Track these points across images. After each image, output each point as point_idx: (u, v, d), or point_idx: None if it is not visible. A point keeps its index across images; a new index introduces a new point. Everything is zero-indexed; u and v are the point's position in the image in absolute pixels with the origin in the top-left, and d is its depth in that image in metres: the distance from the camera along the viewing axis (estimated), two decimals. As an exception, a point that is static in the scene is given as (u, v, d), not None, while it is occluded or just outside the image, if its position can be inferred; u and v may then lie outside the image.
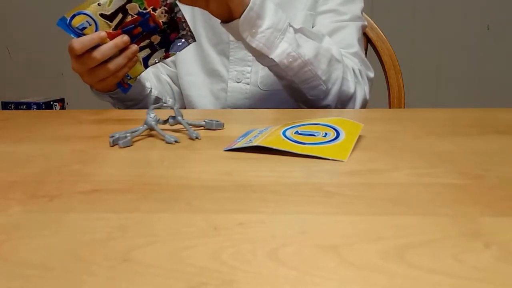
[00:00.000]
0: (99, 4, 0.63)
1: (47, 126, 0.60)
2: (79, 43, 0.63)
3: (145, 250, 0.25)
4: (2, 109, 1.88)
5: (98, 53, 0.63)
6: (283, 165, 0.40)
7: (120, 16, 0.64)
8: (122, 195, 0.33)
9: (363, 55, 0.84)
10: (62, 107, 1.97)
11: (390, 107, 0.95)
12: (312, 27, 0.84)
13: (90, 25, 0.64)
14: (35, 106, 1.86)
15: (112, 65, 0.65)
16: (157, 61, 0.70)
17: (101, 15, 0.64)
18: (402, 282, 0.21)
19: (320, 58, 0.72)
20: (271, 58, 0.68)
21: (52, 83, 2.09)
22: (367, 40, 0.96)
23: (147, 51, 0.68)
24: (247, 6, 0.63)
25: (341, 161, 0.40)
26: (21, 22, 2.07)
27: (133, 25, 0.65)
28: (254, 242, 0.25)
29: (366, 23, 0.88)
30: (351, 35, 0.82)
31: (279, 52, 0.68)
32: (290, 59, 0.69)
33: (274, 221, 0.28)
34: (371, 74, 0.84)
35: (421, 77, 1.89)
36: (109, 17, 0.64)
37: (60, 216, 0.30)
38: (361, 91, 0.80)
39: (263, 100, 0.84)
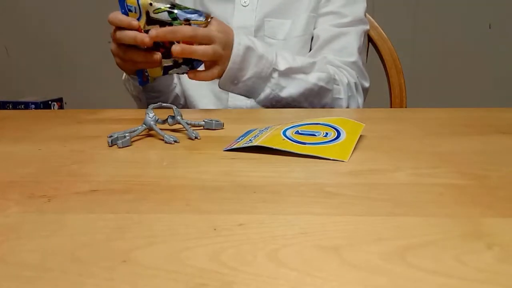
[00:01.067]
0: (150, 4, 0.65)
1: (45, 126, 0.60)
2: (114, 16, 0.66)
3: (144, 251, 0.24)
4: (0, 108, 1.88)
5: (118, 34, 0.66)
6: (283, 165, 0.40)
7: (157, 27, 0.66)
8: (121, 196, 0.33)
9: (361, 64, 0.84)
10: (60, 107, 1.97)
11: (391, 107, 0.95)
12: (314, 29, 0.84)
13: (135, 12, 0.66)
14: (33, 106, 1.86)
15: (133, 54, 0.68)
16: (178, 73, 0.72)
17: (146, 13, 0.65)
18: (403, 283, 0.21)
19: (306, 94, 0.74)
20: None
21: (50, 83, 2.08)
22: (368, 40, 0.96)
23: (169, 62, 0.70)
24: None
25: (342, 161, 0.40)
26: (19, 21, 2.07)
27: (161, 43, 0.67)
28: (254, 243, 0.25)
29: (368, 26, 0.87)
30: (351, 43, 0.82)
31: (262, 97, 0.73)
32: (274, 102, 0.73)
33: (274, 221, 0.28)
34: (367, 84, 0.85)
35: (422, 76, 1.89)
36: (149, 21, 0.66)
37: (58, 217, 0.29)
38: (355, 104, 0.81)
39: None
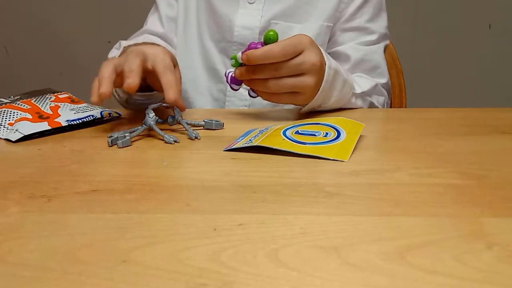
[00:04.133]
0: None
1: (46, 126, 0.60)
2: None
3: (144, 251, 0.24)
4: (1, 108, 1.88)
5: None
6: (283, 165, 0.40)
7: None
8: (120, 196, 0.33)
9: (390, 82, 0.84)
10: (61, 107, 1.96)
11: (391, 107, 0.94)
12: (329, 41, 0.81)
13: None
14: (34, 106, 1.86)
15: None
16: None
17: None
18: (403, 283, 0.21)
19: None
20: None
21: (51, 83, 2.08)
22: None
23: None
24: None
25: (342, 161, 0.40)
26: (19, 20, 2.07)
27: None
28: (254, 243, 0.25)
29: (389, 41, 0.86)
30: (380, 63, 0.80)
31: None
32: None
33: (274, 221, 0.28)
34: (389, 101, 0.85)
35: (422, 76, 1.89)
36: None
37: (58, 217, 0.29)
38: None
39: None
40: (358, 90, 0.70)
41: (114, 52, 0.80)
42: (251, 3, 0.80)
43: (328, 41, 0.81)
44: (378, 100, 0.77)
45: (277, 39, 0.55)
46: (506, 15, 1.85)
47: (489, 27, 1.86)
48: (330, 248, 0.24)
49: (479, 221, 0.28)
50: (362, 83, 0.73)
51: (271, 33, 0.54)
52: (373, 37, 0.80)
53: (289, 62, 0.55)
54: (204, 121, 0.55)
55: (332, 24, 0.80)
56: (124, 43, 0.78)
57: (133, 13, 1.88)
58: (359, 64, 0.79)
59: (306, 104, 0.61)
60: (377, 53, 0.80)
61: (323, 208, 0.30)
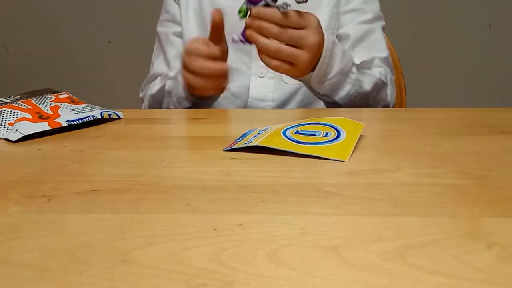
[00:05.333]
0: None
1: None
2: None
3: (144, 251, 0.24)
4: (1, 108, 1.88)
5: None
6: (283, 165, 0.40)
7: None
8: (120, 196, 0.33)
9: (390, 57, 0.84)
10: (61, 107, 1.96)
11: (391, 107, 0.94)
12: (340, 28, 0.84)
13: None
14: (34, 106, 1.86)
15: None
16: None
17: None
18: (403, 283, 0.21)
19: (374, 90, 0.74)
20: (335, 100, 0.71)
21: (51, 83, 2.08)
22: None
23: None
24: (318, 60, 0.64)
25: (342, 161, 0.40)
26: (19, 20, 2.07)
27: None
28: (254, 243, 0.25)
29: (384, 22, 0.87)
30: (379, 40, 0.83)
31: (343, 94, 0.70)
32: (352, 99, 0.71)
33: (274, 221, 0.28)
34: (393, 76, 0.85)
35: (422, 76, 1.89)
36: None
37: (58, 217, 0.29)
38: (393, 96, 0.81)
39: (289, 94, 0.83)
40: (357, 61, 0.72)
41: (158, 85, 0.81)
42: None
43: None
44: (381, 72, 0.77)
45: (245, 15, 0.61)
46: (506, 15, 1.85)
47: (489, 27, 1.86)
48: (330, 248, 0.24)
49: (479, 221, 0.28)
50: (360, 56, 0.75)
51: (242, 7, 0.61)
52: (369, 16, 0.82)
53: (292, 31, 0.59)
54: None
55: (337, 10, 0.84)
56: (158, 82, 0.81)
57: (133, 13, 1.89)
58: (359, 43, 0.81)
59: (305, 76, 0.65)
60: (375, 32, 0.82)
61: (323, 208, 0.30)
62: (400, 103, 0.94)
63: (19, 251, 0.25)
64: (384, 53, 0.82)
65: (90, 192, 0.34)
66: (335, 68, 0.66)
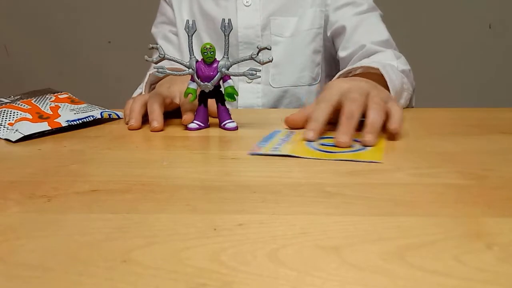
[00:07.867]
0: None
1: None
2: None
3: (144, 251, 0.24)
4: (1, 108, 1.88)
5: None
6: (283, 165, 0.40)
7: None
8: (120, 196, 0.33)
9: (392, 39, 0.84)
10: (62, 107, 1.96)
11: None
12: (326, 24, 0.84)
13: None
14: (34, 106, 1.86)
15: None
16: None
17: None
18: (403, 283, 0.21)
19: (410, 81, 0.73)
20: None
21: (51, 83, 2.08)
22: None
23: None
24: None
25: (378, 162, 0.39)
26: (19, 20, 2.07)
27: None
28: (254, 243, 0.25)
29: (382, 12, 0.88)
30: (377, 24, 0.83)
31: (403, 102, 0.68)
32: (408, 101, 0.70)
33: (274, 221, 0.28)
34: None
35: (421, 77, 1.89)
36: None
37: (58, 217, 0.29)
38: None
39: (277, 98, 0.84)
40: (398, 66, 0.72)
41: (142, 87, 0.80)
42: (248, 6, 0.83)
43: (326, 25, 0.85)
44: (401, 61, 0.77)
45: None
46: (506, 15, 1.85)
47: (489, 27, 1.86)
48: (330, 248, 0.24)
49: (479, 221, 0.27)
50: (361, 40, 0.77)
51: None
52: (363, 7, 0.83)
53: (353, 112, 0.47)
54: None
55: (324, 9, 0.84)
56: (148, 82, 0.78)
57: (133, 13, 1.89)
58: (356, 30, 0.81)
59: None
60: (370, 19, 0.83)
61: (323, 208, 0.30)
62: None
63: (19, 251, 0.25)
64: (384, 35, 0.82)
65: (90, 192, 0.34)
66: (395, 90, 0.63)
